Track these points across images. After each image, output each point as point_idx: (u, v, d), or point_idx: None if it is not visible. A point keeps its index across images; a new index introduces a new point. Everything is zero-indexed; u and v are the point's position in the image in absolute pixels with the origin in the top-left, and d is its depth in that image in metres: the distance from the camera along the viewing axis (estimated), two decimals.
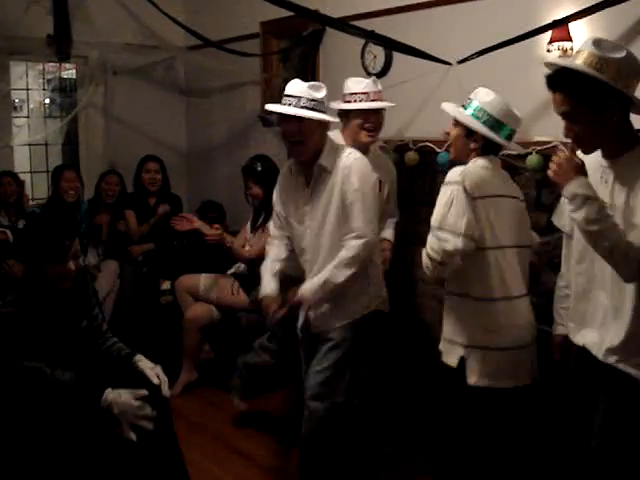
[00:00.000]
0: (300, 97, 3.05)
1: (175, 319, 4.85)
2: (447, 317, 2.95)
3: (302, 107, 3.03)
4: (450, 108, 2.89)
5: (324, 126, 3.15)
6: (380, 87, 3.66)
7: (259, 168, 4.55)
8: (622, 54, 2.13)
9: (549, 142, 3.26)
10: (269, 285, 3.32)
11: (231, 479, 3.71)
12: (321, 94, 3.06)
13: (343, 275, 3.07)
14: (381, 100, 3.64)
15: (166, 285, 5.12)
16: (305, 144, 3.09)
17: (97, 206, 5.46)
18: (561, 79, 2.21)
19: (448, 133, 3.08)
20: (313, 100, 3.04)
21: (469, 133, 2.83)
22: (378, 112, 3.65)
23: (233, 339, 4.70)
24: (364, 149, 3.55)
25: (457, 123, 2.89)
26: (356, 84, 3.63)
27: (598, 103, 2.15)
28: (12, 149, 5.79)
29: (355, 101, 3.61)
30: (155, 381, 3.01)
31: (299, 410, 3.40)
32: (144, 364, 3.10)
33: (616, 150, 2.24)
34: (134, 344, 4.59)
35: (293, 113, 3.04)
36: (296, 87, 3.09)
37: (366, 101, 3.60)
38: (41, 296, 2.89)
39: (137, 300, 5.21)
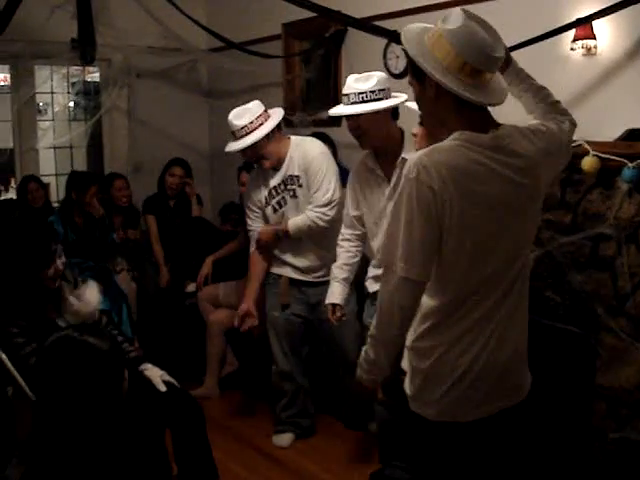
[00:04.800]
0: (349, 94, 3.13)
1: (200, 321, 4.89)
2: None
3: (351, 103, 3.11)
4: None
5: (384, 114, 3.15)
6: (245, 121, 3.63)
7: None
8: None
9: (574, 141, 3.22)
10: (334, 293, 3.44)
11: (254, 478, 3.74)
12: (368, 85, 3.09)
13: None
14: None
15: (191, 287, 5.14)
16: (367, 135, 3.17)
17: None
18: None
19: (415, 134, 3.07)
20: (361, 93, 3.09)
21: None
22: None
23: (257, 343, 4.72)
24: None
25: None
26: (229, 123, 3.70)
27: (417, 71, 1.96)
28: (37, 152, 5.86)
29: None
30: (162, 389, 3.05)
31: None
32: (150, 372, 3.12)
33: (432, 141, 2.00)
34: (158, 345, 4.69)
35: (338, 114, 3.20)
36: (346, 85, 3.16)
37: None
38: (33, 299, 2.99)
39: (161, 301, 5.25)
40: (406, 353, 2.14)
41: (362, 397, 2.33)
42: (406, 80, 4.26)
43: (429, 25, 2.00)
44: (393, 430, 3.33)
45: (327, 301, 3.48)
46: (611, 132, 3.25)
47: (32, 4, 4.91)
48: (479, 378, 2.01)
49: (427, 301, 2.03)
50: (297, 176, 3.76)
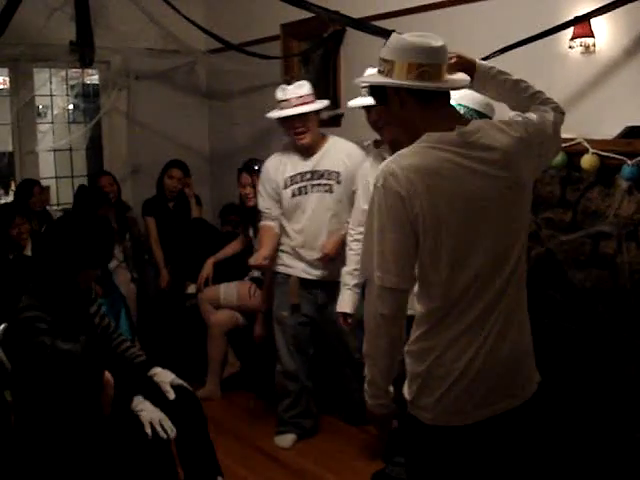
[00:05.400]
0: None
1: (201, 323, 4.88)
2: None
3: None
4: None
5: None
6: (304, 91, 3.84)
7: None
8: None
9: (573, 139, 3.24)
10: (345, 300, 3.44)
11: (255, 478, 3.74)
12: None
13: None
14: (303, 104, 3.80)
15: (192, 289, 5.13)
16: (389, 125, 3.11)
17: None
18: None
19: None
20: None
21: None
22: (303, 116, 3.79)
23: (259, 344, 4.72)
24: None
25: None
26: (281, 91, 3.86)
27: (378, 95, 2.08)
28: (37, 155, 5.86)
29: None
30: (171, 397, 3.03)
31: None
32: (159, 377, 3.12)
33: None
34: (159, 347, 4.69)
35: (362, 104, 3.30)
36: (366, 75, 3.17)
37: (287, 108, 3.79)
38: (58, 290, 2.95)
39: (161, 302, 5.25)
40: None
41: (376, 429, 2.30)
42: None
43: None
44: (403, 426, 3.31)
45: (338, 309, 3.49)
46: (610, 130, 3.25)
47: (30, 7, 4.91)
48: (476, 380, 1.98)
49: (418, 307, 2.03)
50: (337, 172, 3.84)
